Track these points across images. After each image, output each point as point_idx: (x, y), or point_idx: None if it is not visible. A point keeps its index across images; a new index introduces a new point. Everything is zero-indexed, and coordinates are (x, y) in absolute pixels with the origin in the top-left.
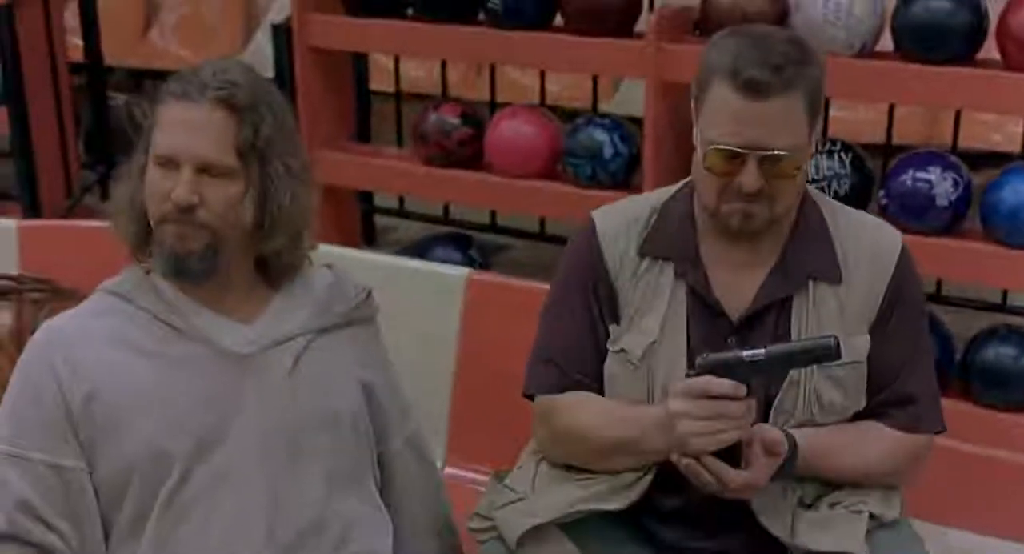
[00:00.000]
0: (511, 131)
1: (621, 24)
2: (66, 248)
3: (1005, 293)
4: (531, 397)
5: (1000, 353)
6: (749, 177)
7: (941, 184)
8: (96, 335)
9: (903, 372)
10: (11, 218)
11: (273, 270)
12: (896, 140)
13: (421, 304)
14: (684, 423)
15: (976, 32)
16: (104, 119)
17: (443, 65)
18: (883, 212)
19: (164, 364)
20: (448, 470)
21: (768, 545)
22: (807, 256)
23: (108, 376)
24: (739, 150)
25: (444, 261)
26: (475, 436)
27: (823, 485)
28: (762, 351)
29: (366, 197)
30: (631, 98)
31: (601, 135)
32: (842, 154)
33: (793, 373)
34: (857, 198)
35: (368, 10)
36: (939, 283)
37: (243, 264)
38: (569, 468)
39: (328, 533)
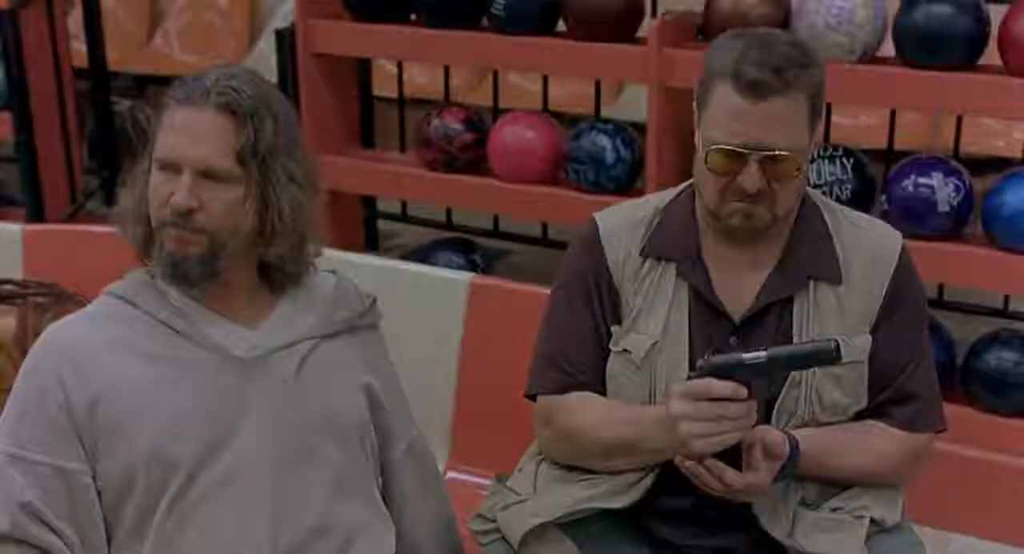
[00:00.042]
0: (514, 136)
1: (624, 30)
2: (70, 252)
3: (1007, 298)
4: (533, 398)
5: (1002, 358)
6: (750, 177)
7: (942, 189)
8: (100, 339)
9: (904, 371)
10: (15, 222)
11: (277, 276)
12: (898, 146)
13: (424, 309)
14: (685, 425)
15: (978, 38)
16: (108, 124)
17: (446, 70)
18: (885, 217)
19: (168, 368)
20: (451, 474)
21: (768, 545)
22: (808, 256)
23: (112, 380)
24: (740, 150)
25: (447, 266)
26: (478, 440)
27: (825, 485)
28: (763, 354)
29: (369, 202)
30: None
31: (604, 140)
32: (844, 160)
33: (794, 374)
34: (859, 204)
35: (371, 16)
36: (941, 288)
37: (246, 269)
38: (570, 469)
39: (331, 539)
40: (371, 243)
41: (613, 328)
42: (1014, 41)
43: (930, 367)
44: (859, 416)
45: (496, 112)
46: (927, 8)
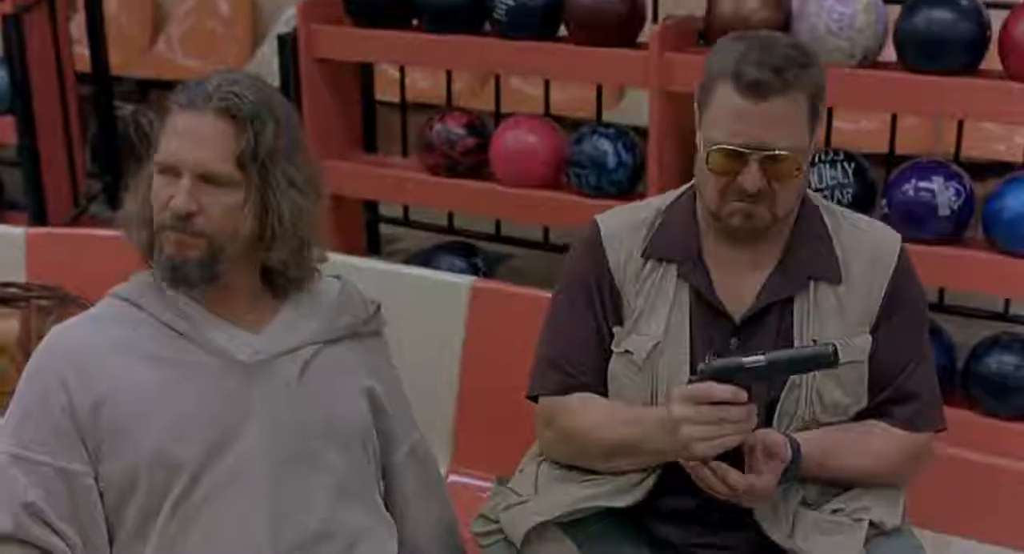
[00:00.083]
0: (516, 141)
1: (625, 34)
2: (73, 256)
3: (1007, 302)
4: (535, 399)
5: (1002, 361)
6: (750, 177)
7: (943, 193)
8: (105, 341)
9: (904, 370)
10: (18, 226)
11: (280, 280)
12: (899, 150)
13: (426, 313)
14: (687, 428)
15: (978, 42)
16: (111, 129)
17: (448, 75)
18: (885, 221)
19: (172, 370)
20: (453, 477)
21: (769, 545)
22: (808, 257)
23: (117, 382)
24: (741, 150)
25: (449, 270)
26: (480, 443)
27: (826, 485)
28: (762, 358)
29: (371, 206)
30: (636, 107)
31: (605, 145)
32: (845, 164)
33: (794, 376)
34: (860, 207)
35: (373, 21)
36: (941, 292)
37: (247, 273)
38: (571, 469)
39: (334, 544)
40: (373, 247)
41: (615, 329)
42: (1015, 46)
43: (930, 367)
44: (859, 416)
45: (498, 116)
46: (928, 13)
